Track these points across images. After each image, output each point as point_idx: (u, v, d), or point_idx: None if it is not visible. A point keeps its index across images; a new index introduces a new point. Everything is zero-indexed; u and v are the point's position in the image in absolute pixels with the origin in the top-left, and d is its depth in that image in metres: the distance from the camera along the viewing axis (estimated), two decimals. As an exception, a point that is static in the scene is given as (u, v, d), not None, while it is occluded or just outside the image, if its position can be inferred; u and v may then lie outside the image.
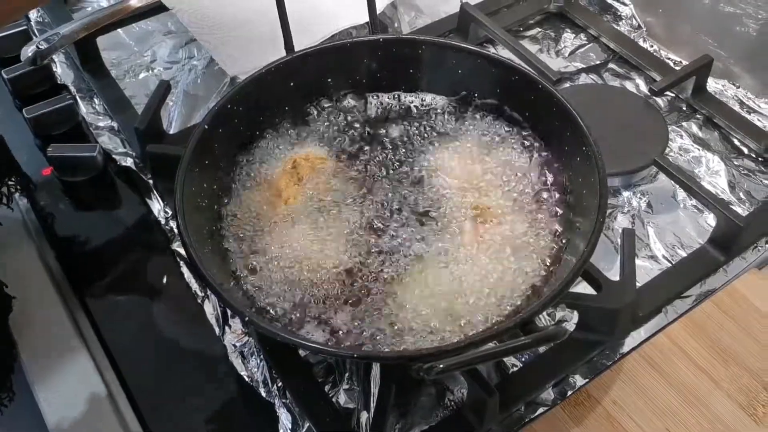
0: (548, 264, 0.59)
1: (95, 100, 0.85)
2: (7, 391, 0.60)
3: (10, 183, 0.71)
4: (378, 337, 0.56)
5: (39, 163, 0.78)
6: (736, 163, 0.79)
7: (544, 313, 0.66)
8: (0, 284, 0.65)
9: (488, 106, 0.71)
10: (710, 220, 0.73)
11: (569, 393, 0.60)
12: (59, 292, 0.68)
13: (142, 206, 0.75)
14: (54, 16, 0.93)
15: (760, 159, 0.79)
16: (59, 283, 0.69)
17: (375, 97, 0.73)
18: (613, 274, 0.63)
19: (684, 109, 0.85)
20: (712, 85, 0.86)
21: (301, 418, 0.59)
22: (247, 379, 0.61)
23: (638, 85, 0.88)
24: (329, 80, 0.72)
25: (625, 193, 0.76)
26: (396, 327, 0.56)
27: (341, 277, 0.59)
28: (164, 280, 0.69)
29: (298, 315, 0.57)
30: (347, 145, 0.69)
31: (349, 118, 0.72)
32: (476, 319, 0.56)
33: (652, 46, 0.92)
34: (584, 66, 0.90)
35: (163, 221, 0.73)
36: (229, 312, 0.65)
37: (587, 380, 0.61)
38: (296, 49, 0.70)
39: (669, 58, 0.91)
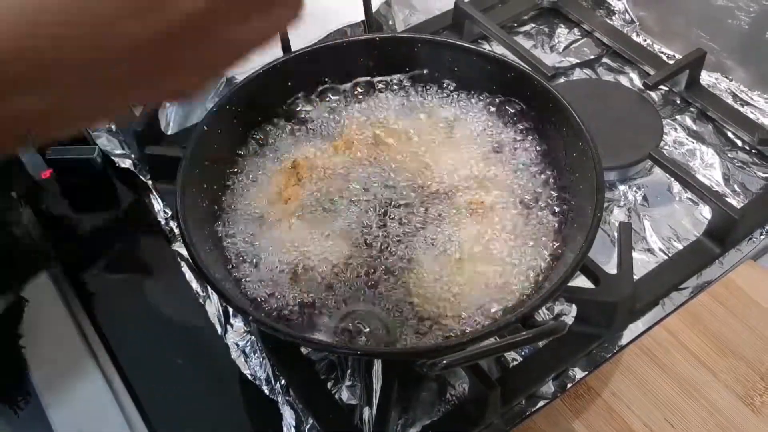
0: (547, 258, 0.60)
1: (92, 101, 0.85)
2: (24, 395, 0.60)
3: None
4: (378, 333, 0.56)
5: (38, 166, 0.78)
6: (730, 155, 0.80)
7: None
8: None
9: (484, 103, 0.71)
10: (705, 212, 0.73)
11: (569, 386, 0.61)
12: (60, 292, 0.68)
13: (142, 207, 0.75)
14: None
15: (753, 151, 0.80)
16: (60, 283, 0.69)
17: (373, 94, 0.73)
18: (611, 268, 0.64)
19: (678, 102, 0.85)
20: (706, 78, 0.87)
21: (304, 415, 0.59)
22: (250, 377, 0.62)
23: (632, 79, 0.89)
24: (326, 79, 0.72)
25: (621, 187, 0.76)
26: (396, 323, 0.56)
27: (341, 275, 0.60)
28: (165, 280, 0.70)
29: (299, 312, 0.57)
30: (346, 143, 0.70)
31: (347, 116, 0.72)
32: (476, 314, 0.56)
33: (645, 40, 0.93)
34: (578, 61, 0.91)
35: (163, 221, 0.73)
36: (230, 311, 0.66)
37: (587, 373, 0.62)
38: (292, 48, 0.71)
39: (662, 52, 0.92)
